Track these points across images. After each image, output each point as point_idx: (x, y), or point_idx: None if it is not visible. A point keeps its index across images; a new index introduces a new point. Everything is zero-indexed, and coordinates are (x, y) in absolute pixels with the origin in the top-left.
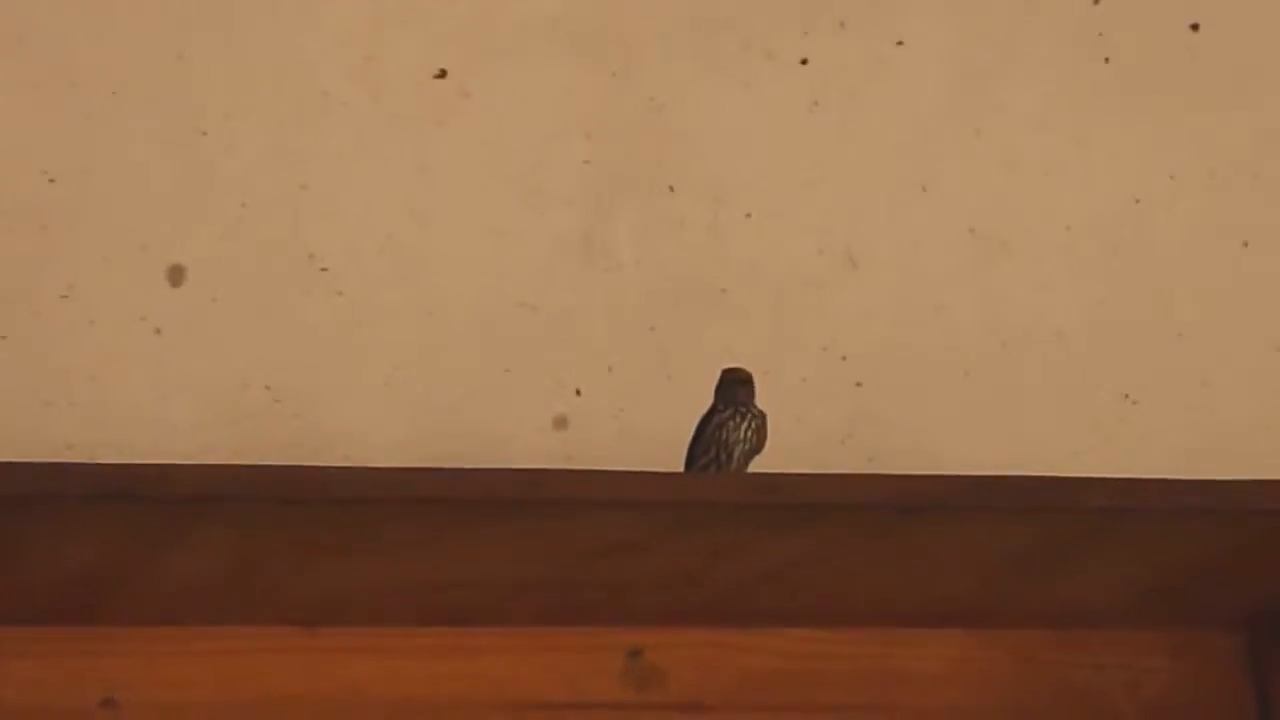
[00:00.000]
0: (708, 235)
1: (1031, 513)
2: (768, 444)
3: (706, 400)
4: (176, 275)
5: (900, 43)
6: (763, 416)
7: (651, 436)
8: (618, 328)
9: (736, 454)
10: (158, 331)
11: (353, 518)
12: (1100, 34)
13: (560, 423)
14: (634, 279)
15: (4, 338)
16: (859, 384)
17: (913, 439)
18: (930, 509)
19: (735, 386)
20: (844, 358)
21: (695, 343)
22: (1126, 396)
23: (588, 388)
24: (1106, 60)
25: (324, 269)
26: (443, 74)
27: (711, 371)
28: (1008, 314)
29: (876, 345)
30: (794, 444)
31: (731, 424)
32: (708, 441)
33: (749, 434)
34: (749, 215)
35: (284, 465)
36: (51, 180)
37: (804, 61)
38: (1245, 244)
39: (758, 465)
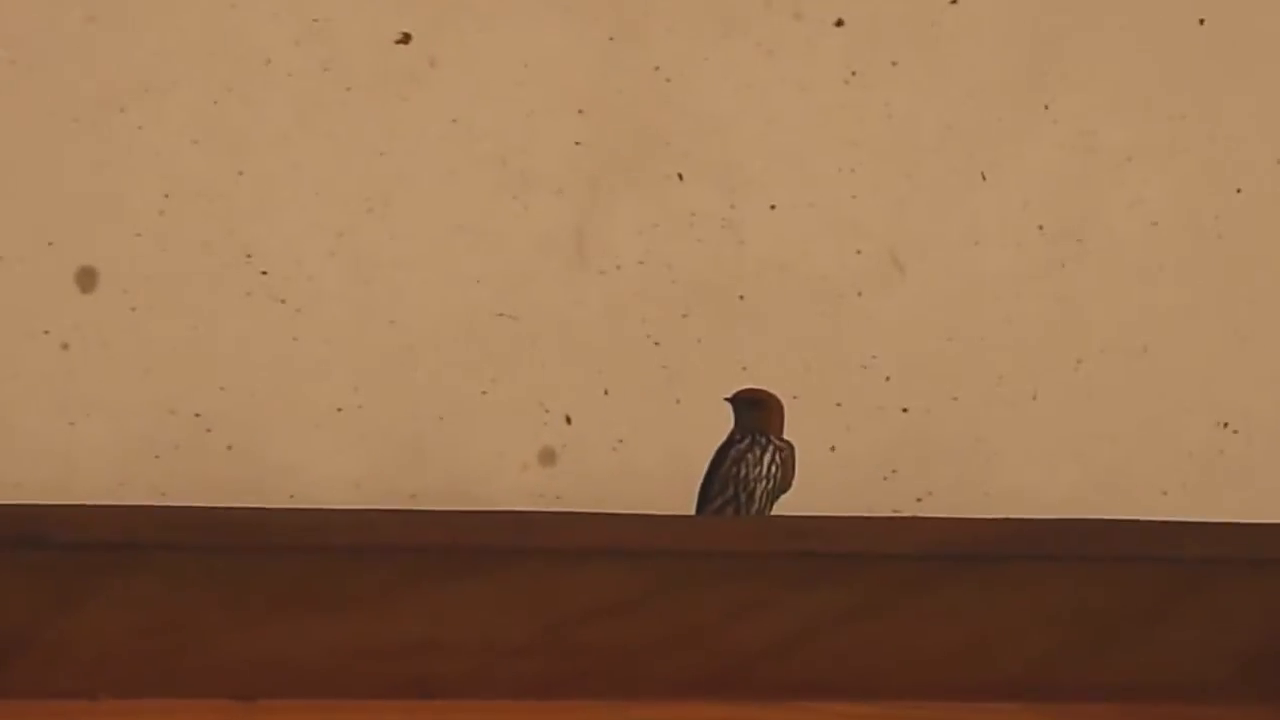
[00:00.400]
0: (724, 231)
1: (1111, 563)
2: (796, 480)
3: (723, 428)
4: (87, 279)
5: (954, 0)
6: (790, 448)
7: (656, 473)
8: (616, 342)
9: (758, 493)
10: (65, 346)
11: (298, 569)
12: None
13: (547, 456)
14: (635, 283)
15: None
16: (905, 409)
17: (970, 475)
18: (990, 559)
19: (757, 412)
20: (888, 378)
21: (709, 359)
22: (1225, 425)
23: (580, 414)
24: (1201, 22)
25: (264, 272)
26: (405, 39)
27: (728, 393)
28: (1083, 326)
29: (926, 363)
30: (827, 481)
31: (752, 457)
32: (724, 478)
33: (773, 469)
34: (773, 207)
35: (216, 507)
36: None
37: (839, 23)
38: None
39: (784, 506)
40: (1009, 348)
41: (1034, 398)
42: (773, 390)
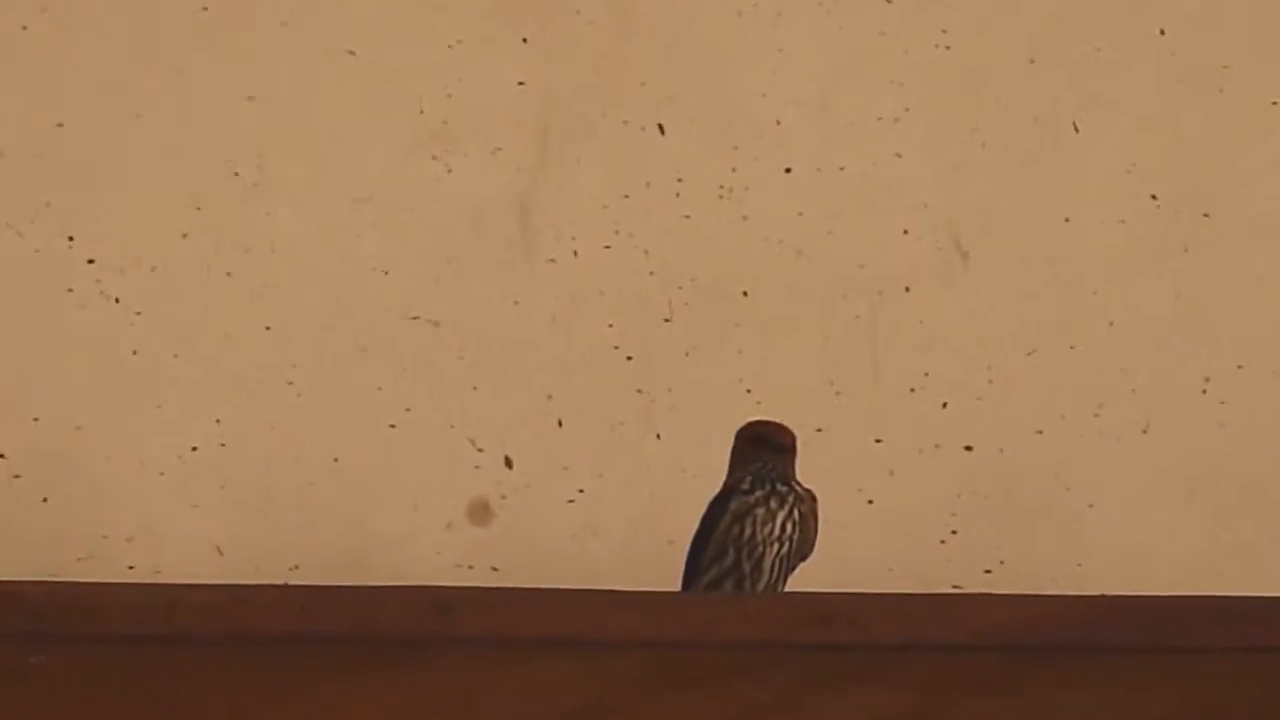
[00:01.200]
0: (721, 203)
1: (1243, 654)
2: (819, 543)
3: (718, 473)
4: None
5: None
6: (811, 499)
7: (628, 533)
8: (572, 354)
9: (769, 560)
10: None
11: (142, 664)
12: None
13: (479, 512)
14: (595, 274)
15: None
16: (969, 447)
17: (1056, 537)
18: (1082, 649)
19: (767, 451)
20: (945, 404)
21: (700, 379)
22: None
23: (524, 454)
24: None
25: (90, 260)
26: None
27: (727, 427)
28: (1211, 332)
29: (998, 384)
30: (864, 545)
31: (762, 512)
32: (723, 540)
33: (789, 528)
34: (789, 170)
35: (27, 581)
36: None
37: None
38: None
39: (804, 579)
40: (1111, 363)
41: (1144, 430)
42: (784, 422)
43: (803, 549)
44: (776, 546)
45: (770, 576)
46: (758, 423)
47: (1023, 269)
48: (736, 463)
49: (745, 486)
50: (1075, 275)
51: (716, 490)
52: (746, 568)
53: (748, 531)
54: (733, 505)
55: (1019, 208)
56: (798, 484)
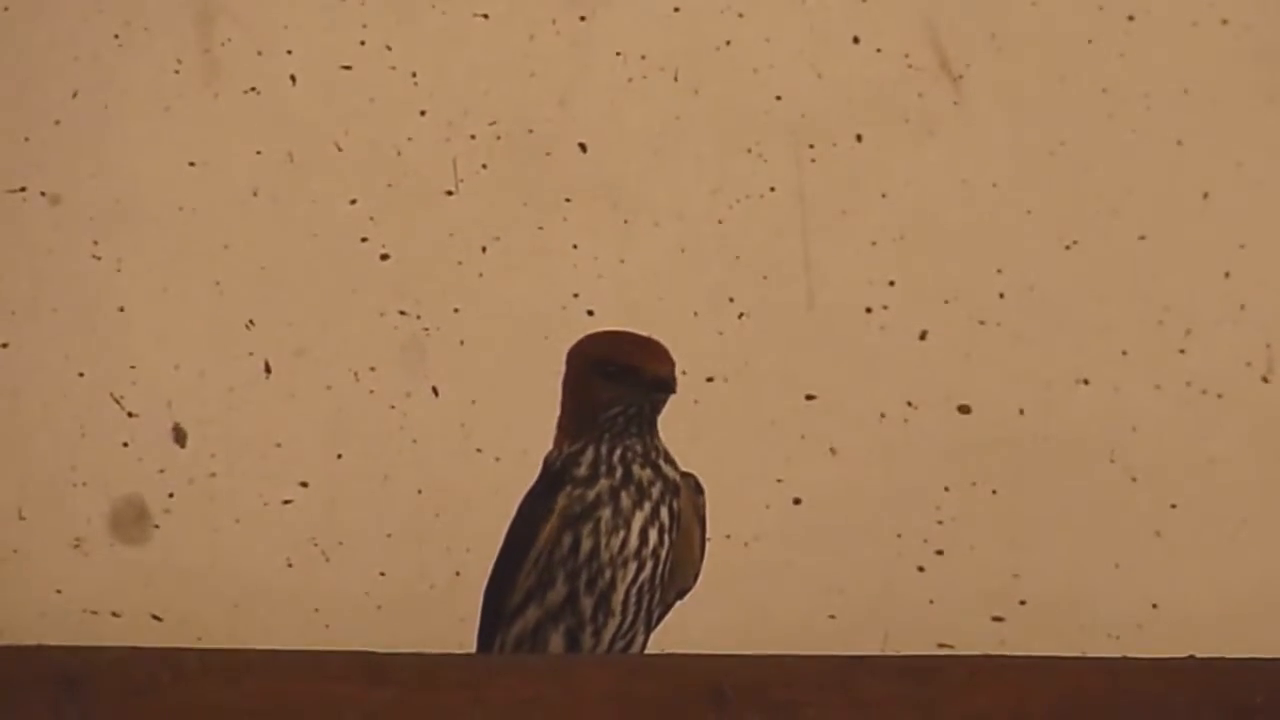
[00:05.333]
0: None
1: None
2: (706, 566)
3: (528, 437)
4: None
5: None
6: (692, 490)
7: (381, 560)
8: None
9: (620, 593)
10: None
11: None
12: None
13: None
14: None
15: None
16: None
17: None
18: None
19: (632, 392)
20: (966, 406)
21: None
22: None
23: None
24: None
25: None
26: None
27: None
28: None
29: (1021, 393)
30: (811, 579)
31: (608, 513)
32: (545, 560)
33: (652, 538)
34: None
35: None
36: None
37: None
38: None
39: (685, 630)
40: (1176, 369)
41: (1212, 461)
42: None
43: (678, 575)
44: (634, 570)
45: (624, 620)
46: (613, 337)
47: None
48: (571, 416)
49: (582, 470)
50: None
51: (533, 475)
52: (586, 606)
53: (587, 546)
54: (561, 500)
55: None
56: (667, 460)
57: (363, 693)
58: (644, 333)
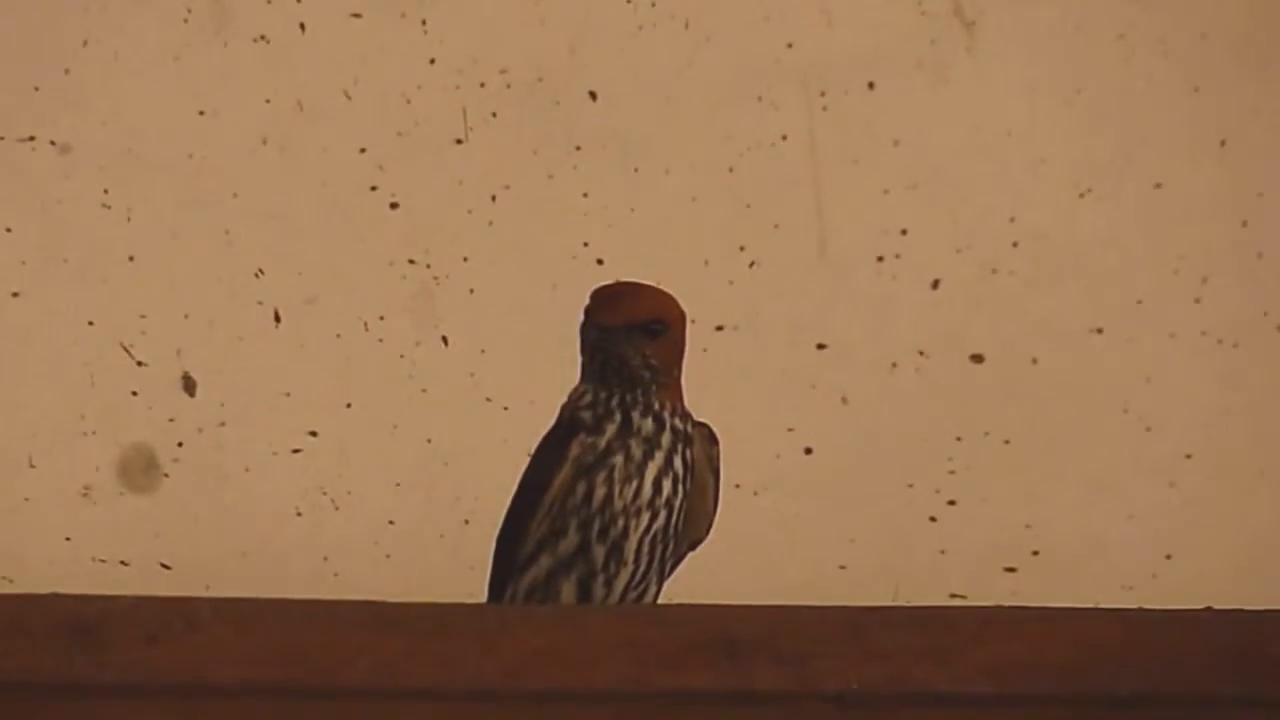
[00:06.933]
0: None
1: None
2: (720, 516)
3: (540, 407)
4: None
5: None
6: (706, 440)
7: (391, 507)
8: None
9: (633, 542)
10: None
11: None
12: None
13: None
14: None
15: None
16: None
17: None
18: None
19: (595, 337)
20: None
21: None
22: None
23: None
24: None
25: None
26: None
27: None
28: None
29: (1034, 342)
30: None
31: (620, 461)
32: (559, 508)
33: (665, 488)
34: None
35: None
36: None
37: None
38: None
39: (697, 582)
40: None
41: None
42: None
43: (692, 526)
44: (647, 519)
45: (637, 570)
46: (602, 286)
47: None
48: (584, 364)
49: (586, 416)
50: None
51: (542, 425)
52: (599, 555)
53: (600, 494)
54: (574, 450)
55: None
56: (676, 410)
57: (374, 642)
58: (652, 282)
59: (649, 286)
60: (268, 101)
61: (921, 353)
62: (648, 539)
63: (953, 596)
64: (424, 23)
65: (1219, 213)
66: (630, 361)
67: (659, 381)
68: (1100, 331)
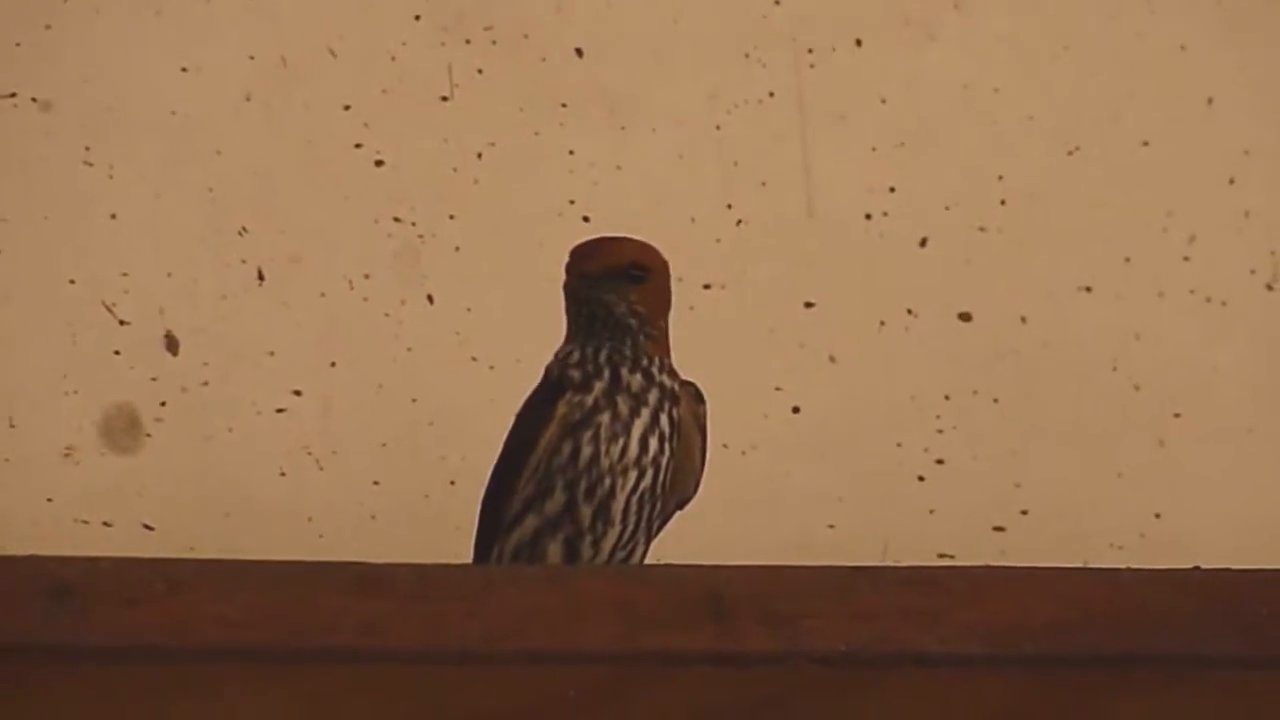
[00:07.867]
0: None
1: None
2: (707, 476)
3: (525, 366)
4: None
5: None
6: (692, 399)
7: (366, 463)
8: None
9: (620, 502)
10: None
11: None
12: None
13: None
14: None
15: None
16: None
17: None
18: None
19: (574, 289)
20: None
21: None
22: None
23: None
24: None
25: None
26: None
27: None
28: None
29: (1022, 300)
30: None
31: (606, 419)
32: (544, 467)
33: (652, 447)
34: None
35: None
36: None
37: None
38: None
39: (686, 539)
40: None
41: None
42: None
43: (679, 484)
44: (634, 478)
45: (624, 530)
46: (602, 241)
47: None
48: (570, 322)
49: (573, 371)
50: None
51: (527, 384)
52: (585, 515)
53: (586, 453)
54: (560, 409)
55: None
56: (664, 366)
57: (358, 604)
58: (640, 238)
59: (627, 237)
60: (251, 58)
61: (910, 311)
62: (635, 498)
63: (941, 556)
64: None
65: (1207, 171)
66: (615, 309)
67: (645, 332)
68: (1089, 290)
